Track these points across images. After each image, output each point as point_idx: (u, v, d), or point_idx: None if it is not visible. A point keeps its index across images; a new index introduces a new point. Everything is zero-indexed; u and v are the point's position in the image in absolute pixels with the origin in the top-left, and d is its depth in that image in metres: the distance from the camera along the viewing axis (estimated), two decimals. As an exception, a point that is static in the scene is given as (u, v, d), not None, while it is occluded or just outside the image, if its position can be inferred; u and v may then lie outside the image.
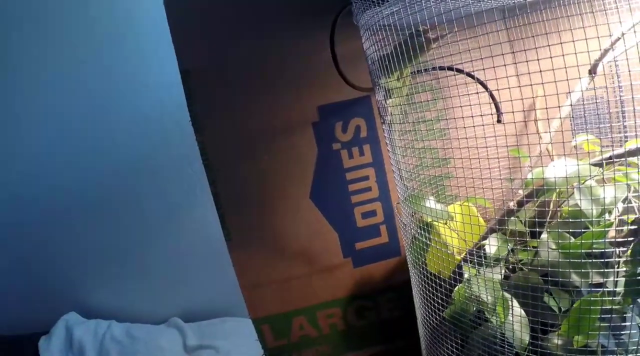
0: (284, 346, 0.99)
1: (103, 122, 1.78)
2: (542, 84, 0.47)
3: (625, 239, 0.51)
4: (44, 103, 1.76)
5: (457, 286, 0.60)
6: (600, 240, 0.50)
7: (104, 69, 1.74)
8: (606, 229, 0.51)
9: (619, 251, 0.52)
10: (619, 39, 0.59)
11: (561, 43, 0.46)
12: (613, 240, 0.53)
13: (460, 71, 0.59)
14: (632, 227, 0.52)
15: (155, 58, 1.72)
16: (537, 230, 0.56)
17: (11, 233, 1.88)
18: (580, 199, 0.52)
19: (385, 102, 0.63)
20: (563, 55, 0.46)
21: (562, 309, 0.56)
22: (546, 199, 0.63)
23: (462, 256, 0.62)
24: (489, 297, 0.54)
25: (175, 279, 1.93)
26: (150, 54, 1.72)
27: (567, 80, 0.46)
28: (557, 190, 0.59)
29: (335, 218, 0.91)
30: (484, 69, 0.51)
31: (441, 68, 0.62)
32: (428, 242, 0.65)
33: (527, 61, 0.48)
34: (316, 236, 0.92)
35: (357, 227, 0.92)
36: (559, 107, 0.65)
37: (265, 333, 0.98)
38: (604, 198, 0.50)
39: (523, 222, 0.64)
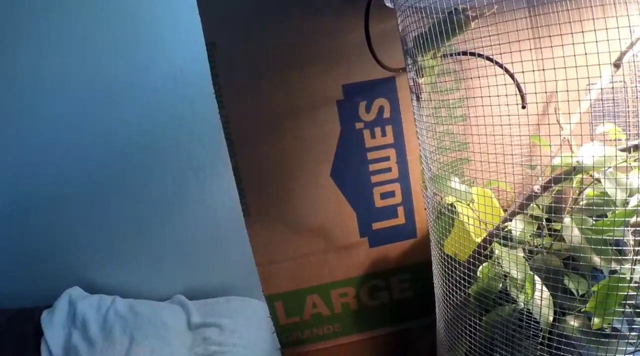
0: (295, 324, 1.00)
1: (113, 99, 1.77)
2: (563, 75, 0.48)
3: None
4: (52, 80, 1.74)
5: (482, 265, 0.61)
6: (621, 227, 0.51)
7: (116, 48, 1.72)
8: (636, 209, 0.52)
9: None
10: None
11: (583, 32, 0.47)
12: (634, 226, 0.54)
13: (492, 61, 0.60)
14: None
15: (170, 36, 1.71)
16: (561, 208, 0.57)
17: (17, 207, 1.88)
18: (607, 183, 0.53)
19: (419, 79, 0.63)
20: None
21: (580, 293, 0.57)
22: (570, 185, 0.64)
23: (480, 238, 0.63)
24: (519, 274, 0.55)
25: (181, 257, 1.93)
26: (164, 32, 1.71)
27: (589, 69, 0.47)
28: (582, 175, 0.60)
29: (355, 197, 0.92)
30: (508, 54, 0.52)
31: (471, 54, 0.62)
32: (452, 220, 0.66)
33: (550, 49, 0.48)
34: (334, 214, 0.92)
35: (375, 207, 0.93)
36: (580, 96, 0.66)
37: (277, 310, 0.99)
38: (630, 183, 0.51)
39: (547, 205, 0.65)
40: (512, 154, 0.56)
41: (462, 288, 0.64)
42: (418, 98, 0.66)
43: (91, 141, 1.81)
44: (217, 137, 0.88)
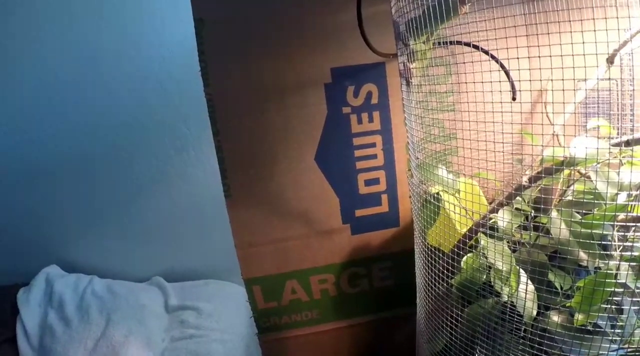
0: (273, 309, 0.99)
1: (97, 76, 1.73)
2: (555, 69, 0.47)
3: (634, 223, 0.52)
4: (37, 57, 1.71)
5: (466, 255, 0.60)
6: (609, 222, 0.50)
7: (102, 24, 1.69)
8: (627, 203, 0.51)
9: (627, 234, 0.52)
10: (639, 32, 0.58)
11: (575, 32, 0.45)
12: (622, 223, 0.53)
13: (485, 51, 0.59)
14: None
15: (156, 14, 1.68)
16: (552, 201, 0.56)
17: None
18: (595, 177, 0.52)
19: (410, 64, 0.62)
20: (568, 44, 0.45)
21: (564, 288, 0.56)
22: (559, 177, 0.63)
23: (465, 229, 0.62)
24: (504, 266, 0.54)
25: (161, 238, 1.91)
26: (151, 10, 1.68)
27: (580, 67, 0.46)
28: (572, 168, 0.59)
29: (338, 182, 0.90)
30: (501, 45, 0.50)
31: (466, 44, 0.61)
32: (437, 209, 0.64)
33: (546, 45, 0.47)
34: (317, 199, 0.91)
35: (359, 194, 0.91)
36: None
37: (255, 294, 0.97)
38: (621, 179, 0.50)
39: (533, 199, 0.64)
40: (502, 142, 0.54)
41: (445, 278, 0.63)
42: (408, 83, 0.64)
43: (74, 118, 1.78)
44: (203, 119, 0.85)
